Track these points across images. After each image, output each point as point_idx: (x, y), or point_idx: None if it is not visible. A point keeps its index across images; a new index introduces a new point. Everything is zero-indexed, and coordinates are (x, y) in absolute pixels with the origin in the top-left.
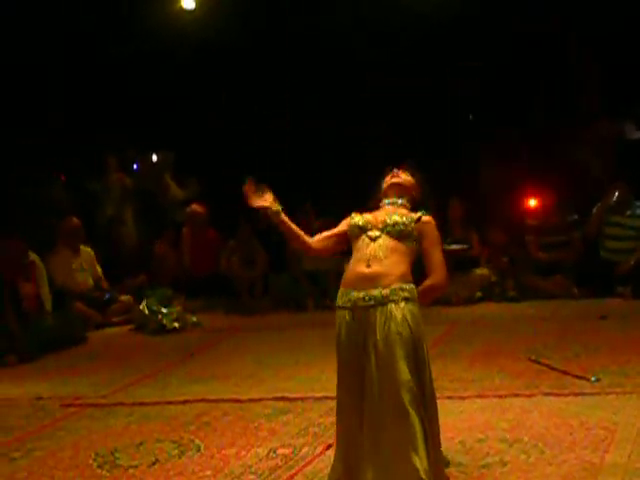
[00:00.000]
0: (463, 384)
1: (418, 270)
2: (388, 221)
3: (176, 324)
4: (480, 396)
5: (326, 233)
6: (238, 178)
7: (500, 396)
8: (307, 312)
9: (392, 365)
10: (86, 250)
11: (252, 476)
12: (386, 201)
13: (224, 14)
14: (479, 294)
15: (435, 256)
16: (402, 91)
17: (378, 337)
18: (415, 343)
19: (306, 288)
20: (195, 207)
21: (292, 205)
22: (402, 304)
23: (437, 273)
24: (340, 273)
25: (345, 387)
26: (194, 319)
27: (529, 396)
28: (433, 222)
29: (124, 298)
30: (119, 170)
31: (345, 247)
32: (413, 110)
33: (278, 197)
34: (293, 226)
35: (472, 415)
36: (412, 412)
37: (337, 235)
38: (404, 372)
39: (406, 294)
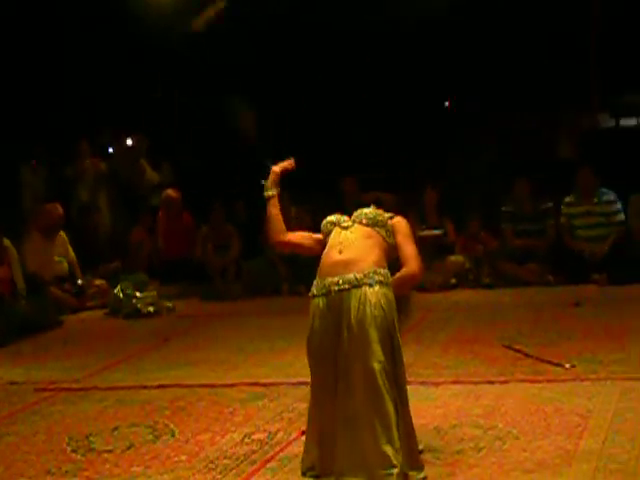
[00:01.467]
0: (437, 370)
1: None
2: (360, 213)
3: (150, 308)
4: (454, 382)
5: (303, 232)
6: (212, 163)
7: (474, 382)
8: (282, 297)
9: (366, 347)
10: (60, 236)
11: (227, 461)
12: None
13: None
14: (453, 281)
15: (408, 248)
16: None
17: (352, 320)
18: (389, 327)
19: (282, 273)
20: (170, 192)
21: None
22: (376, 287)
23: (411, 263)
24: (317, 259)
25: (318, 376)
26: (169, 304)
27: (503, 382)
28: (405, 220)
29: (98, 282)
30: (93, 154)
31: (319, 252)
32: (385, 97)
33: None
34: (277, 212)
35: (446, 401)
36: (386, 395)
37: (314, 238)
38: (378, 355)
39: (380, 277)
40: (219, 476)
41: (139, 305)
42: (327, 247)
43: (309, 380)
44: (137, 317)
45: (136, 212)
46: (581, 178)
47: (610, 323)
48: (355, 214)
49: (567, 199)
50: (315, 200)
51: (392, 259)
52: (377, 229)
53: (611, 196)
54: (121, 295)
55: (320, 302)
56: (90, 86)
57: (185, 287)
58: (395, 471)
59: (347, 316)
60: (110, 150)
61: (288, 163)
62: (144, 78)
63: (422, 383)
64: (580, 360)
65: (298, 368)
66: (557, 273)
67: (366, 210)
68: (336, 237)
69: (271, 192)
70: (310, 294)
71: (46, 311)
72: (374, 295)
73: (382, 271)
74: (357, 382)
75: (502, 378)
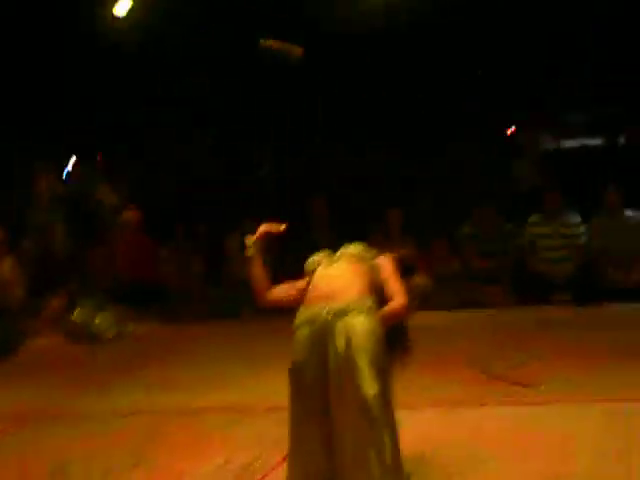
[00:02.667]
0: (412, 394)
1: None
2: (346, 249)
3: (109, 334)
4: (431, 405)
5: (289, 284)
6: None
7: (452, 405)
8: (243, 322)
9: (357, 377)
10: (8, 261)
11: None
12: None
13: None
14: (416, 302)
15: (394, 284)
16: None
17: (339, 350)
18: (377, 353)
19: (243, 297)
20: (129, 213)
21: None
22: (363, 316)
23: (397, 297)
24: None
25: (301, 409)
26: (129, 328)
27: (482, 405)
28: (386, 259)
29: (55, 303)
30: (49, 176)
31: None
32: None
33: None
34: (260, 272)
35: (427, 425)
36: (382, 425)
37: (298, 288)
38: (370, 383)
39: (366, 305)
40: None
41: (99, 330)
42: (313, 281)
43: (284, 404)
44: (97, 342)
45: (93, 234)
46: (549, 200)
47: (580, 344)
48: (340, 250)
49: (532, 219)
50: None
51: (378, 293)
52: (363, 263)
53: (577, 218)
54: (79, 320)
55: (304, 331)
56: (49, 108)
57: (144, 310)
58: None
59: (334, 346)
60: (66, 171)
61: (277, 227)
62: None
63: (400, 407)
64: (555, 381)
65: (271, 393)
66: (519, 294)
67: (352, 246)
68: (322, 271)
69: (251, 252)
70: (293, 326)
71: (8, 337)
72: (360, 323)
73: (368, 300)
74: (350, 414)
75: (480, 401)
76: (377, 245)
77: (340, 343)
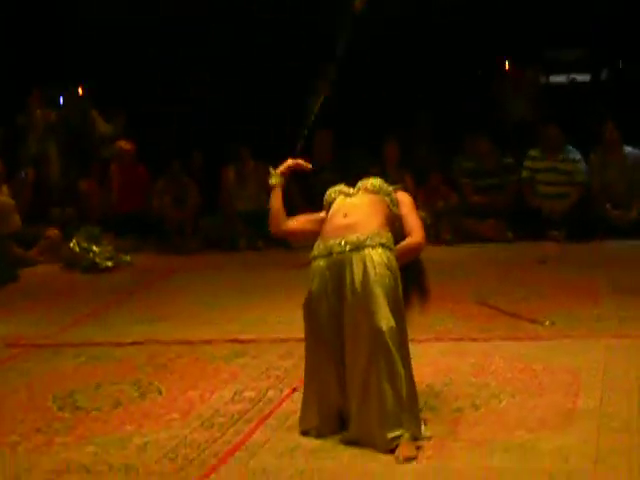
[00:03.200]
0: (417, 328)
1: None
2: (366, 181)
3: (109, 262)
4: (437, 339)
5: (305, 216)
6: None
7: (457, 340)
8: (239, 253)
9: (372, 309)
10: (4, 190)
11: (222, 419)
12: None
13: None
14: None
15: (413, 219)
16: None
17: (356, 282)
18: (393, 287)
19: (239, 229)
20: (123, 144)
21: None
22: (379, 249)
23: (415, 234)
24: None
25: (318, 339)
26: (127, 258)
27: (486, 340)
28: (406, 195)
29: (51, 233)
30: (44, 105)
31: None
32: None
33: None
34: (279, 205)
35: (433, 359)
36: (396, 356)
37: (316, 220)
38: (386, 315)
39: (383, 240)
40: (218, 434)
41: (97, 259)
42: (330, 213)
43: (287, 337)
44: (95, 271)
45: (87, 164)
46: (548, 134)
47: (578, 280)
48: (360, 182)
49: (532, 153)
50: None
51: (395, 228)
52: (382, 197)
53: (577, 155)
54: (77, 249)
55: (321, 263)
56: (45, 35)
57: (140, 241)
58: (404, 434)
59: (350, 278)
60: (61, 100)
61: (304, 164)
62: (98, 25)
63: None
64: (558, 317)
65: (272, 324)
66: (516, 230)
67: (372, 179)
68: (340, 203)
69: (275, 180)
70: (311, 256)
71: (3, 265)
72: (377, 256)
73: (385, 234)
74: (365, 345)
75: (483, 335)
76: None
77: (357, 275)
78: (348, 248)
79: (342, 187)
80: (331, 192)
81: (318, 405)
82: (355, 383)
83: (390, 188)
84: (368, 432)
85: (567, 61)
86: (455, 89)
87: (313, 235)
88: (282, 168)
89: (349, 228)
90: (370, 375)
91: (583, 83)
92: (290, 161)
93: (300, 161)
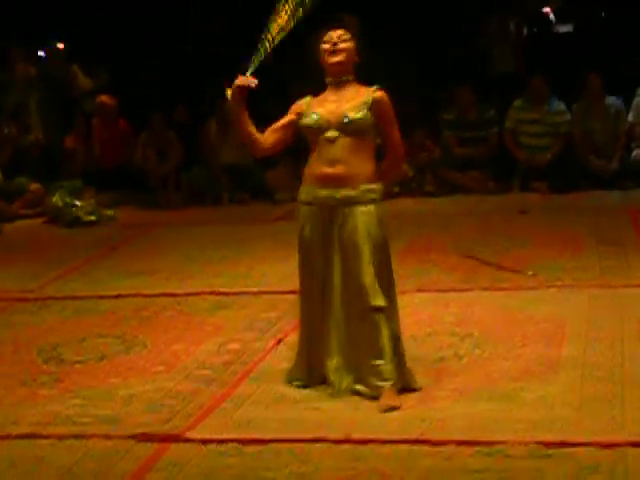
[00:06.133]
0: (399, 279)
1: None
2: (344, 120)
3: (92, 217)
4: (419, 290)
5: (274, 126)
6: (150, 66)
7: (439, 290)
8: (223, 207)
9: (358, 265)
10: None
11: (207, 371)
12: (330, 81)
13: None
14: (396, 189)
15: (391, 135)
16: None
17: (345, 237)
18: (381, 242)
19: (223, 182)
20: (104, 98)
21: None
22: (371, 207)
23: (393, 151)
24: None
25: (310, 284)
26: (109, 212)
27: (468, 290)
28: (386, 97)
29: (34, 187)
30: (25, 60)
31: (293, 137)
32: None
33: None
34: (247, 119)
35: (415, 309)
36: (379, 314)
37: (287, 126)
38: (369, 272)
39: (373, 195)
40: (202, 386)
41: (79, 213)
42: (314, 156)
43: (271, 290)
44: (78, 226)
45: (69, 118)
46: (534, 85)
47: (560, 230)
48: (336, 117)
49: (516, 103)
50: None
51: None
52: (364, 136)
53: (562, 106)
54: (60, 203)
55: (312, 211)
56: None
57: (123, 195)
58: (388, 383)
59: (339, 232)
60: (41, 54)
61: (252, 81)
62: None
63: None
64: (541, 267)
65: (255, 278)
66: (498, 181)
67: (351, 114)
68: (323, 149)
69: (233, 100)
70: (298, 198)
71: None
72: (366, 213)
73: (375, 187)
74: (349, 300)
75: (466, 286)
76: None
77: (347, 232)
78: (338, 203)
79: (321, 116)
80: (310, 119)
81: (308, 350)
82: (342, 337)
83: (368, 114)
84: (356, 378)
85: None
86: (439, 42)
87: (288, 142)
88: (233, 88)
89: (337, 180)
90: (356, 329)
91: (566, 33)
92: (239, 82)
93: (248, 79)
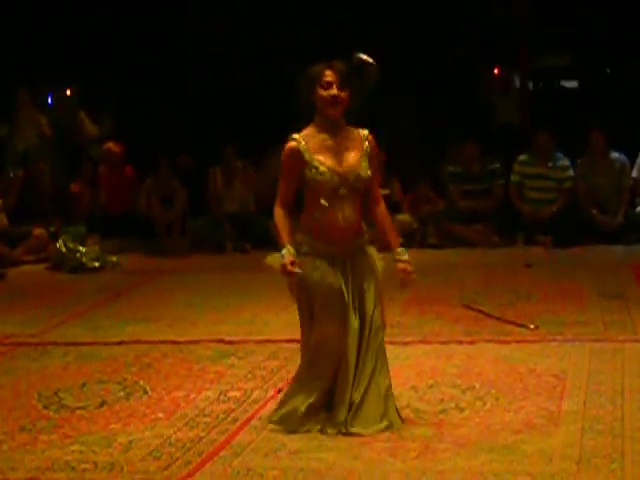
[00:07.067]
0: (403, 329)
1: None
2: (351, 177)
3: (96, 263)
4: (422, 342)
5: (285, 183)
6: (155, 114)
7: (443, 342)
8: (226, 255)
9: (369, 307)
10: None
11: (207, 419)
12: (323, 122)
13: None
14: (400, 240)
15: (377, 184)
16: None
17: (357, 277)
18: (379, 284)
19: (226, 230)
20: (111, 145)
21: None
22: (370, 249)
23: (379, 194)
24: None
25: (332, 325)
26: (113, 259)
27: (471, 343)
28: (372, 139)
29: (37, 232)
30: (32, 105)
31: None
32: None
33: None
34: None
35: (418, 361)
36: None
37: (295, 179)
38: (377, 313)
39: (366, 237)
40: (202, 434)
41: (84, 259)
42: (322, 208)
43: (274, 338)
44: (82, 272)
45: (75, 164)
46: (539, 141)
47: (563, 284)
48: (344, 172)
49: (521, 158)
50: (261, 153)
51: None
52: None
53: (565, 162)
54: (64, 249)
55: (321, 261)
56: (33, 36)
57: (127, 242)
58: (385, 424)
59: (352, 277)
60: (49, 101)
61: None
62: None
63: (390, 342)
64: (543, 321)
65: (259, 326)
66: (503, 234)
67: (358, 171)
68: (333, 203)
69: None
70: (302, 250)
71: None
72: (370, 257)
73: (366, 231)
74: (367, 339)
75: (469, 338)
76: None
77: (358, 274)
78: (351, 252)
79: (330, 169)
80: (319, 173)
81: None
82: (362, 374)
83: (368, 170)
84: (367, 419)
85: (555, 67)
86: (442, 93)
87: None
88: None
89: (351, 234)
90: (375, 369)
91: (571, 89)
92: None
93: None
